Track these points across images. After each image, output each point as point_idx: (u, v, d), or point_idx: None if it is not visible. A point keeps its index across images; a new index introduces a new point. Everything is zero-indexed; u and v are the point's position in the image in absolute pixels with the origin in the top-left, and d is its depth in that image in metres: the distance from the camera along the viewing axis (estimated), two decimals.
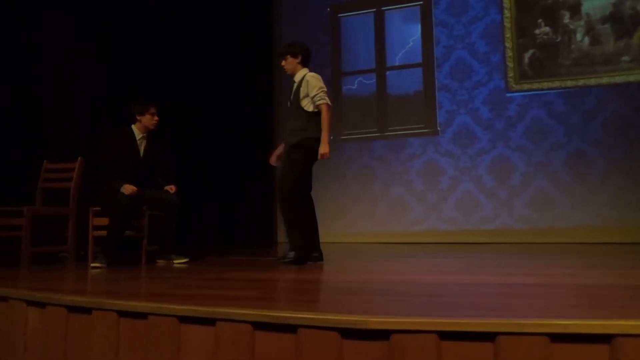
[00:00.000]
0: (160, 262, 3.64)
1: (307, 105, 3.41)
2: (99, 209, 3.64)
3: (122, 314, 1.86)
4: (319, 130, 3.40)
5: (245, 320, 1.61)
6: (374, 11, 6.12)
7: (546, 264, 3.14)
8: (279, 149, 3.72)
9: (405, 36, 5.98)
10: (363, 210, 5.96)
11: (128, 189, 3.44)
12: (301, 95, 3.41)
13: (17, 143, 4.60)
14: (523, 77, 5.46)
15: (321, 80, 3.43)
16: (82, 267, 3.39)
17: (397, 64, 5.99)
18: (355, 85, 6.15)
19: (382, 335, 1.44)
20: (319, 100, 3.36)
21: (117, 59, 5.41)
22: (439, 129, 5.74)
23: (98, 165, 3.62)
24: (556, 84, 5.33)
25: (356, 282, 2.39)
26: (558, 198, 5.24)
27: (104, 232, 3.52)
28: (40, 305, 2.10)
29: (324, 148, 3.35)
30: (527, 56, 5.45)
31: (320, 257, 3.47)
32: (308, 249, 3.37)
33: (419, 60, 5.89)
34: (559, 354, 1.34)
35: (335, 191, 6.08)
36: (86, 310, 1.95)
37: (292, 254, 3.28)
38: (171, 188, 3.71)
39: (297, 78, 3.50)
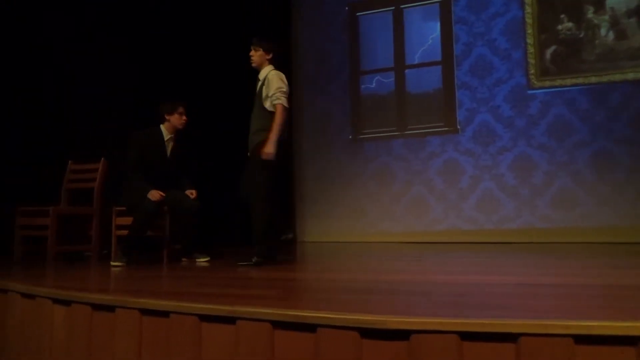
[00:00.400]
0: (184, 261, 3.69)
1: (270, 105, 3.33)
2: (122, 208, 3.70)
3: (145, 312, 1.90)
4: (282, 131, 3.33)
5: (265, 319, 1.62)
6: (392, 9, 6.09)
7: (570, 264, 3.08)
8: None
9: (425, 34, 5.93)
10: (382, 210, 5.94)
11: (155, 195, 3.47)
12: (264, 94, 3.34)
13: (42, 144, 4.70)
14: (545, 74, 5.36)
15: (284, 80, 3.35)
16: (106, 266, 3.46)
17: (416, 62, 5.94)
18: (374, 84, 6.12)
19: (402, 335, 1.44)
20: (275, 100, 3.27)
21: (142, 59, 5.49)
22: (458, 127, 5.68)
23: (125, 164, 3.65)
24: (579, 80, 5.22)
25: (376, 282, 2.38)
26: (582, 197, 5.14)
27: (126, 232, 3.58)
28: (66, 303, 2.15)
29: (268, 147, 3.22)
30: (549, 52, 5.35)
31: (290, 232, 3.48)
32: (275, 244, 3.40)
33: (439, 58, 5.83)
34: (583, 356, 1.31)
35: (354, 191, 6.07)
36: (110, 308, 1.99)
37: (255, 259, 3.24)
38: (192, 193, 3.72)
39: (262, 75, 3.43)
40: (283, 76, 3.37)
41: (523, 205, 5.34)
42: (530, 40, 5.41)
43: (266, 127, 3.29)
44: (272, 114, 3.30)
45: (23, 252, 3.96)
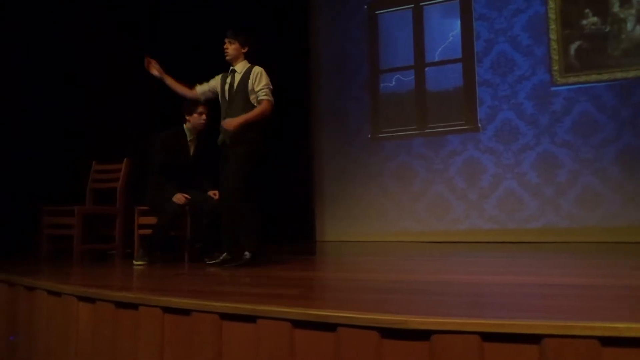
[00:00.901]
0: (207, 260, 3.71)
1: (255, 100, 3.30)
2: (144, 208, 3.75)
3: (167, 310, 1.92)
4: (263, 127, 3.28)
5: (285, 319, 1.62)
6: (412, 7, 6.04)
7: (595, 264, 3.02)
8: (176, 85, 3.54)
9: (445, 31, 5.86)
10: (402, 209, 5.90)
11: (181, 198, 3.49)
12: (249, 87, 3.30)
13: (67, 146, 4.81)
14: (569, 70, 5.25)
15: (267, 76, 3.34)
16: (129, 265, 3.52)
17: (436, 60, 5.88)
18: (393, 82, 6.09)
19: (422, 335, 1.43)
20: (264, 95, 3.27)
21: (164, 59, 5.54)
22: (480, 125, 5.60)
23: (149, 164, 3.69)
24: (605, 76, 5.10)
25: (396, 282, 2.37)
26: (607, 196, 5.02)
27: (149, 231, 3.63)
28: (91, 300, 2.20)
29: (236, 121, 3.16)
30: (573, 48, 5.24)
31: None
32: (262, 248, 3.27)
33: (459, 55, 5.76)
34: (609, 359, 1.28)
35: (374, 190, 6.05)
36: (133, 306, 2.03)
37: (247, 255, 3.15)
38: (215, 194, 3.73)
39: (239, 69, 3.38)
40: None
41: (546, 204, 5.25)
42: (553, 36, 5.31)
43: (249, 122, 3.26)
44: (255, 108, 3.29)
45: (49, 251, 4.05)
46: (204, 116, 3.73)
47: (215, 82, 3.52)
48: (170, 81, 3.54)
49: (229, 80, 3.41)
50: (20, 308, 2.74)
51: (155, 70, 3.54)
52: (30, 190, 4.50)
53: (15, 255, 4.21)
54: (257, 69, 3.35)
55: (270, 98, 3.29)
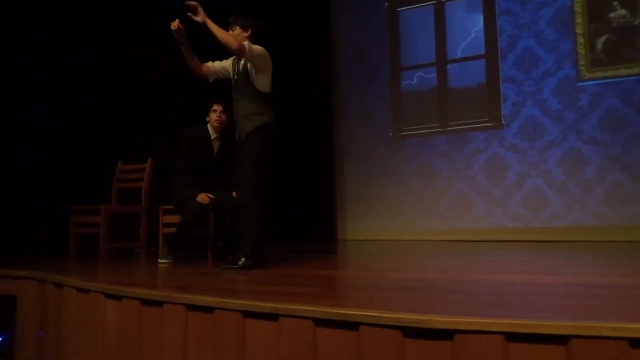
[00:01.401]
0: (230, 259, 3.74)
1: (262, 84, 3.07)
2: (169, 207, 3.80)
3: (191, 307, 1.95)
4: (274, 115, 3.09)
5: (307, 317, 1.63)
6: (433, 3, 5.98)
7: (625, 263, 2.94)
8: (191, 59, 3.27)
9: (467, 27, 5.79)
10: (424, 208, 5.85)
11: (205, 199, 3.52)
12: (248, 67, 3.07)
13: (94, 147, 4.91)
14: (596, 65, 5.12)
15: (267, 55, 3.11)
16: (154, 263, 3.58)
17: (458, 56, 5.81)
18: (415, 80, 6.04)
19: (445, 335, 1.41)
20: (245, 42, 3.00)
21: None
22: (504, 122, 5.51)
23: (174, 163, 3.73)
24: (634, 70, 4.95)
25: (419, 281, 2.35)
26: (637, 193, 4.87)
27: (173, 230, 3.68)
28: (117, 298, 2.24)
29: (206, 19, 2.97)
30: (600, 42, 5.11)
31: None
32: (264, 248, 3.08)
33: (482, 51, 5.68)
34: None
35: (395, 188, 6.01)
36: (158, 304, 2.06)
37: (243, 260, 2.96)
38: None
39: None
40: (266, 52, 3.15)
41: (573, 202, 5.13)
42: (579, 30, 5.19)
43: (258, 111, 3.06)
44: (263, 95, 3.09)
45: (77, 249, 4.14)
46: (217, 113, 3.72)
47: (227, 63, 3.33)
48: (186, 49, 3.25)
49: (235, 68, 3.24)
50: (50, 304, 2.82)
51: (181, 34, 3.18)
52: (59, 190, 4.62)
53: (44, 253, 4.34)
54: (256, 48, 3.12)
55: (244, 45, 2.98)
